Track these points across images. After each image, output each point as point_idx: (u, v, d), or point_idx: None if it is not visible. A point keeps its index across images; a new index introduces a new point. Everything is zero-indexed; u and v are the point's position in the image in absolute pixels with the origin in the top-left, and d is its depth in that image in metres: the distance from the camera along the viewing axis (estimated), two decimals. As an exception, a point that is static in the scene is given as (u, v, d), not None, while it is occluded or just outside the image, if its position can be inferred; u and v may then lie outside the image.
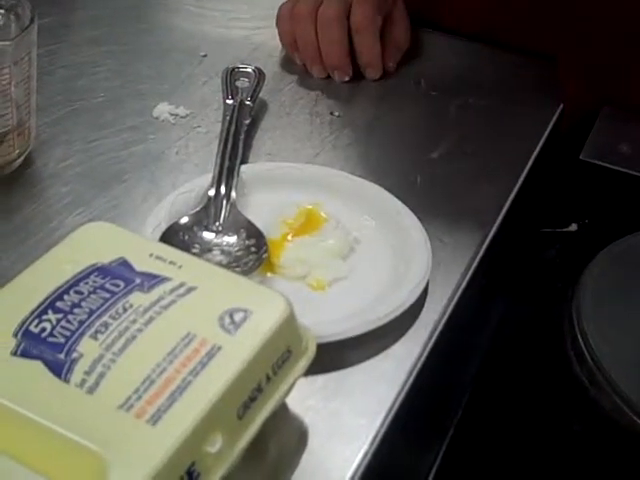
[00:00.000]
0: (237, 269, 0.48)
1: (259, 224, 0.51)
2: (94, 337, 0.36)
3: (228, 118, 0.60)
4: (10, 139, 0.55)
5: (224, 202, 0.53)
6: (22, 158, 0.57)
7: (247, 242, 0.50)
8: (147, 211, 0.53)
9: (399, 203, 0.54)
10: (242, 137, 0.59)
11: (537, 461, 0.55)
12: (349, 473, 0.41)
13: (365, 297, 0.49)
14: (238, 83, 0.64)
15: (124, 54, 0.71)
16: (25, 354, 0.36)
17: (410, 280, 0.49)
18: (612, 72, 0.68)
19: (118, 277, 0.39)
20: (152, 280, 0.39)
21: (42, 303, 0.38)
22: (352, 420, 0.43)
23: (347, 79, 0.68)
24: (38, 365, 0.35)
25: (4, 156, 0.55)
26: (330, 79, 0.69)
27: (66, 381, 0.35)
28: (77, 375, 0.35)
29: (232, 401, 0.36)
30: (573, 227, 0.66)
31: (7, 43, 0.51)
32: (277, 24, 0.70)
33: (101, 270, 0.40)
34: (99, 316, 0.37)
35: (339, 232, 0.52)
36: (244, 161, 0.58)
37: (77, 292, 0.38)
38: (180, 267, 0.40)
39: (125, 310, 0.38)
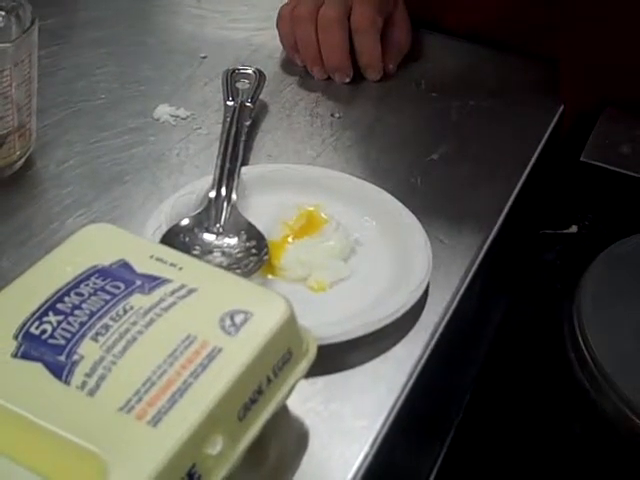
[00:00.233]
0: (238, 271, 0.48)
1: (260, 226, 0.51)
2: (95, 339, 0.36)
3: (229, 120, 0.60)
4: (11, 141, 0.55)
5: (225, 204, 0.53)
6: (23, 160, 0.57)
7: (248, 244, 0.50)
8: (148, 213, 0.53)
9: (400, 204, 0.54)
10: (243, 139, 0.59)
11: (538, 463, 0.55)
12: (349, 475, 0.41)
13: (366, 299, 0.49)
14: (238, 84, 0.64)
15: (125, 56, 0.71)
16: (26, 356, 0.36)
17: (411, 282, 0.49)
18: (613, 73, 0.68)
19: (119, 279, 0.39)
20: (153, 282, 0.39)
21: (43, 305, 0.38)
22: (353, 422, 0.43)
23: (348, 80, 0.68)
24: (39, 367, 0.35)
25: (5, 158, 0.55)
26: (331, 80, 0.69)
27: (67, 383, 0.35)
28: (78, 377, 0.35)
29: (233, 403, 0.36)
30: (573, 229, 0.66)
31: (8, 45, 0.51)
32: (278, 26, 0.70)
33: (102, 272, 0.40)
34: (100, 318, 0.37)
35: (340, 234, 0.52)
36: (245, 163, 0.58)
37: (78, 294, 0.38)
38: (181, 269, 0.40)
39: (126, 312, 0.38)
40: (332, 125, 0.64)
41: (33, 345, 0.36)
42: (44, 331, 0.37)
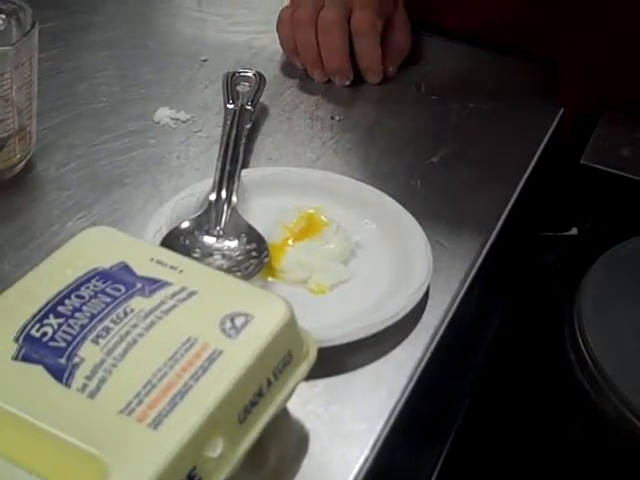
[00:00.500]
0: (238, 273, 0.48)
1: (260, 228, 0.51)
2: (95, 342, 0.36)
3: (229, 122, 0.60)
4: (11, 144, 0.55)
5: (225, 206, 0.53)
6: (23, 163, 0.57)
7: (248, 246, 0.51)
8: (148, 215, 0.53)
9: (400, 207, 0.54)
10: (243, 141, 0.59)
11: (538, 465, 0.55)
12: (350, 478, 0.41)
13: (366, 301, 0.49)
14: (239, 87, 0.65)
15: (125, 59, 0.71)
16: (26, 359, 0.36)
17: (411, 284, 0.49)
18: (613, 75, 0.68)
19: (119, 281, 0.39)
20: (153, 284, 0.39)
21: (43, 307, 0.38)
22: (353, 424, 0.43)
23: (348, 83, 0.68)
24: (39, 370, 0.35)
25: (5, 161, 0.56)
26: (331, 83, 0.69)
27: (67, 386, 0.35)
28: (78, 380, 0.35)
29: (233, 405, 0.36)
30: (574, 231, 0.66)
31: (8, 48, 0.51)
32: (278, 29, 0.70)
33: (102, 274, 0.40)
34: (100, 320, 0.37)
35: (340, 236, 0.52)
36: (245, 165, 0.58)
37: (78, 296, 0.38)
38: (181, 272, 0.40)
39: (126, 314, 0.38)
40: (332, 128, 0.64)
41: (34, 348, 0.36)
42: (45, 334, 0.37)
